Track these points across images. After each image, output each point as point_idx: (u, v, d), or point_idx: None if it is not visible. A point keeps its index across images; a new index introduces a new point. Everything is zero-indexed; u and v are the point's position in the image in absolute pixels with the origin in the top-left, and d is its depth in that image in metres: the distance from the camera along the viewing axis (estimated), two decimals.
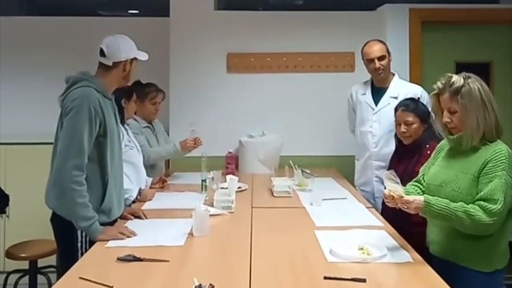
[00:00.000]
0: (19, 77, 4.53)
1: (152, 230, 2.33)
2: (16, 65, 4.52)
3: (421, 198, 1.98)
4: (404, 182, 2.13)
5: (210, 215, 2.36)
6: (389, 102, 3.27)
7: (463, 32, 4.28)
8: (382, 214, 2.67)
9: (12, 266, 3.49)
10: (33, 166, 3.76)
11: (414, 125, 2.79)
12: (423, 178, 2.24)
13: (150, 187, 3.18)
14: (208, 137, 3.66)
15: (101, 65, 2.36)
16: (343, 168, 3.89)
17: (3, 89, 4.51)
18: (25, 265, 3.37)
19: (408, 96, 3.03)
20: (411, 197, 2.00)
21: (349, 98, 3.60)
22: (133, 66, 2.40)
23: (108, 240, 2.15)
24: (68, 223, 2.21)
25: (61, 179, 2.17)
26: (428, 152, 2.54)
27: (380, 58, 3.28)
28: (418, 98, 3.00)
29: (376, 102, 3.36)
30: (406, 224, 2.35)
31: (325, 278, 1.73)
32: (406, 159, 2.80)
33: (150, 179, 3.21)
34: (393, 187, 2.00)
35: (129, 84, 2.64)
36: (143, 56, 2.44)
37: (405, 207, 1.98)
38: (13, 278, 3.42)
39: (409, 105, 2.85)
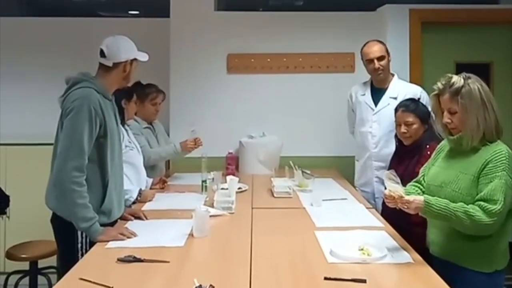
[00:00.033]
0: (19, 78, 4.52)
1: (152, 230, 2.33)
2: (16, 65, 4.51)
3: (421, 198, 1.98)
4: (404, 183, 2.13)
5: (210, 216, 2.36)
6: (388, 102, 3.28)
7: (463, 33, 4.28)
8: (382, 214, 2.67)
9: (12, 267, 3.49)
10: (33, 166, 3.76)
11: (414, 126, 2.79)
12: (423, 178, 2.24)
13: (150, 188, 3.18)
14: (208, 138, 3.66)
15: (101, 65, 2.36)
16: (343, 169, 3.89)
17: (3, 89, 4.50)
18: (25, 266, 3.37)
19: (408, 97, 3.04)
20: (411, 197, 2.00)
21: (348, 98, 3.60)
22: (133, 67, 2.40)
23: (108, 241, 2.15)
24: (68, 224, 2.21)
25: (61, 180, 2.17)
26: (428, 152, 2.55)
27: (380, 59, 3.28)
28: (418, 99, 3.00)
29: (376, 103, 3.36)
30: (406, 225, 2.35)
31: (325, 278, 1.74)
32: (406, 160, 2.81)
33: (150, 180, 3.21)
34: (393, 187, 2.00)
35: (129, 84, 2.64)
36: (143, 57, 2.44)
37: (405, 207, 1.98)
38: (13, 279, 3.42)
39: (409, 105, 2.85)
